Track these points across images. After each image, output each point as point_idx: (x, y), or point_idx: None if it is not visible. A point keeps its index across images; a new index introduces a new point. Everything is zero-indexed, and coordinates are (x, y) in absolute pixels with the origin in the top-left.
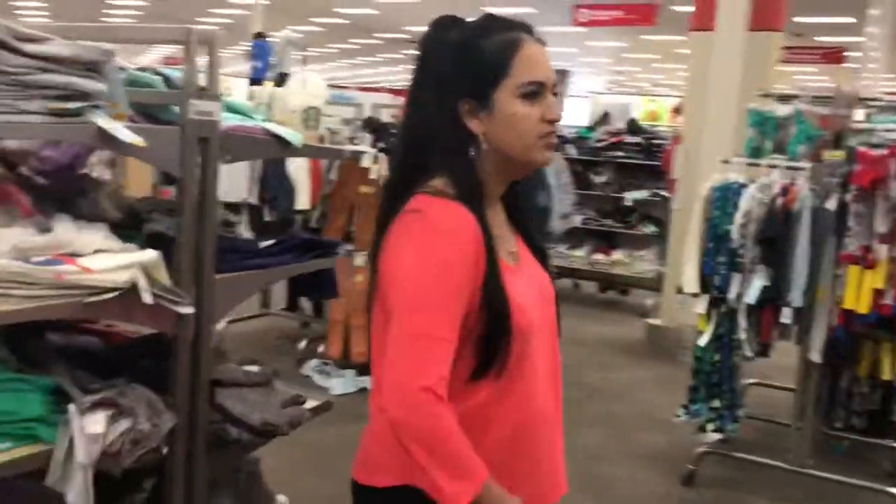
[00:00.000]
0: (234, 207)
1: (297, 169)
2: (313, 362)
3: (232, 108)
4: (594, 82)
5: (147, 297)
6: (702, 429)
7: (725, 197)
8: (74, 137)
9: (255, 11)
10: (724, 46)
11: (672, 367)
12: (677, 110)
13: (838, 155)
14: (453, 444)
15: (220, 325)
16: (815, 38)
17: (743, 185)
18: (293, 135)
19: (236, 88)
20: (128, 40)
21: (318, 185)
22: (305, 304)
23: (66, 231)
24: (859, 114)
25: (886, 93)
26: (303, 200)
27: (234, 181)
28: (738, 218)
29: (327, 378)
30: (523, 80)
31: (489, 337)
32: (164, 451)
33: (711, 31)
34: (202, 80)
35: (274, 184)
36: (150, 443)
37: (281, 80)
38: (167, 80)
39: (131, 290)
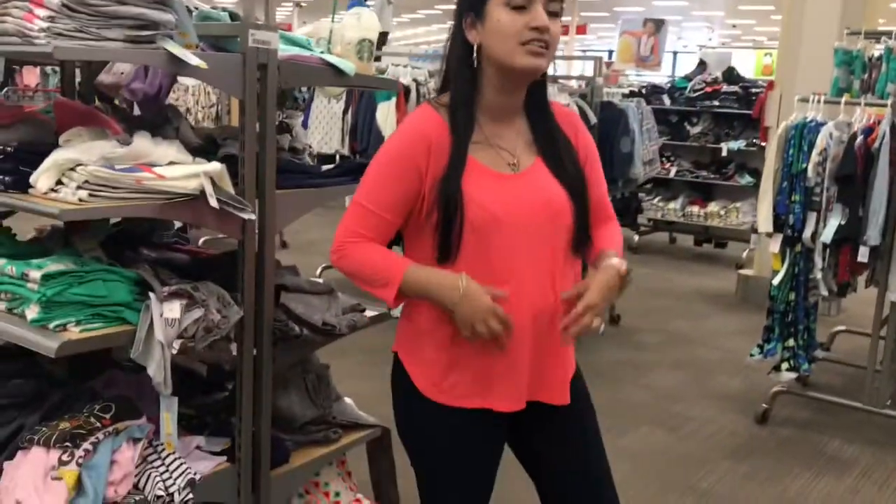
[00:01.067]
0: (329, 158)
1: (386, 119)
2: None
3: (292, 41)
4: (708, 36)
5: (213, 202)
6: (776, 368)
7: (801, 135)
8: (148, 61)
9: None
10: None
11: (760, 316)
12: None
13: None
14: (367, 269)
15: (318, 271)
16: None
17: (820, 124)
18: (347, 64)
19: (327, 24)
20: None
21: None
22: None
23: (144, 144)
24: None
25: None
26: None
27: (329, 134)
28: (814, 156)
29: None
30: None
31: (441, 226)
32: (233, 344)
33: None
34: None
35: (364, 134)
36: (220, 331)
37: (381, 38)
38: (233, 16)
39: (200, 196)
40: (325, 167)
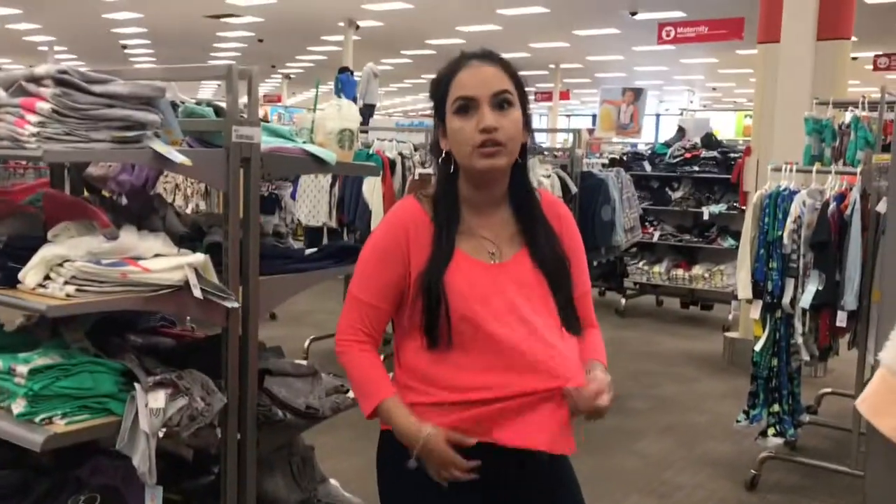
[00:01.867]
0: (317, 231)
1: (372, 192)
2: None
3: (275, 132)
4: (689, 99)
5: (197, 293)
6: (763, 434)
7: (776, 203)
8: (135, 159)
9: (346, 47)
10: (791, 57)
11: (748, 378)
12: None
13: (886, 158)
14: (356, 375)
15: (306, 343)
16: None
17: (793, 192)
18: (328, 153)
19: (309, 116)
20: (179, 77)
21: (391, 205)
22: None
23: (130, 238)
24: None
25: None
26: (377, 221)
27: (316, 206)
28: (789, 223)
29: None
30: (453, 98)
31: (424, 312)
32: (217, 429)
33: (778, 41)
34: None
35: (351, 207)
36: (204, 419)
37: (368, 110)
38: (217, 111)
39: (185, 288)
40: (307, 251)
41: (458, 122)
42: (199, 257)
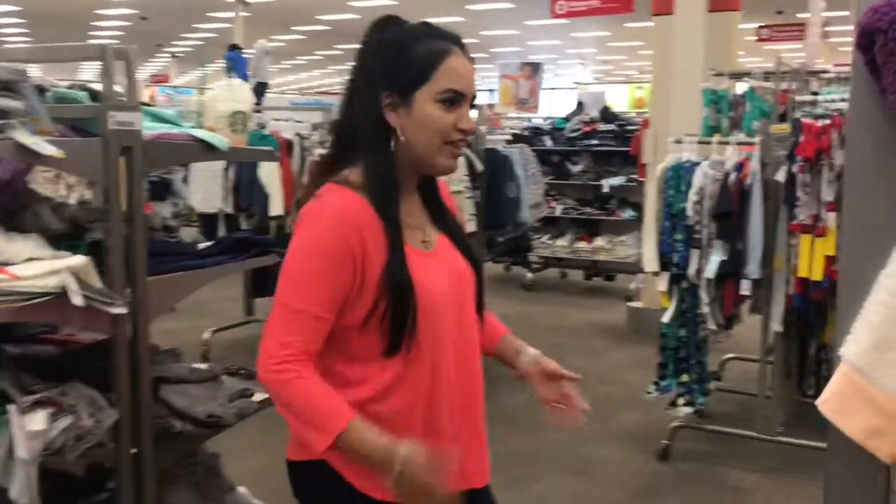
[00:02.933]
0: (212, 217)
1: (269, 175)
2: None
3: (159, 117)
4: (582, 73)
5: (77, 300)
6: (673, 404)
7: (678, 176)
8: None
9: (236, 24)
10: (685, 28)
11: (653, 347)
12: None
13: (784, 128)
14: (306, 402)
15: (206, 335)
16: (797, 16)
17: (695, 164)
18: (219, 139)
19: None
20: (47, 59)
21: (290, 189)
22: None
23: None
24: (815, 86)
25: (835, 63)
26: (276, 206)
27: (210, 192)
28: (692, 195)
29: None
30: (443, 87)
31: (394, 317)
32: (110, 445)
33: (671, 14)
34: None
35: (247, 192)
36: (93, 438)
37: (260, 89)
38: (93, 95)
39: (63, 294)
40: (201, 245)
41: (439, 111)
42: (78, 260)
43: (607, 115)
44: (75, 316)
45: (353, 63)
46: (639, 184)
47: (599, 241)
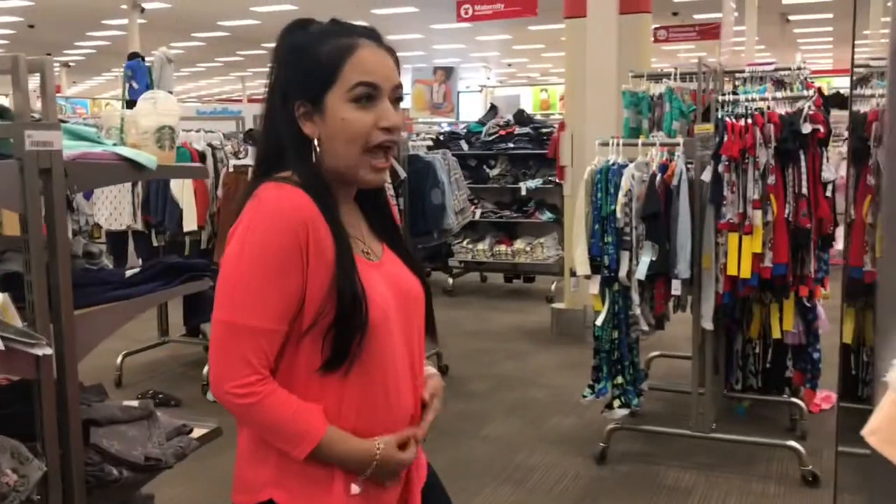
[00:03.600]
0: (120, 235)
1: (181, 189)
2: None
3: (77, 135)
4: (485, 76)
5: None
6: (608, 406)
7: (606, 178)
8: None
9: (131, 31)
10: (598, 31)
11: (578, 348)
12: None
13: (708, 128)
14: (277, 421)
15: (118, 359)
16: (693, 17)
17: (622, 166)
18: (146, 157)
19: (117, 112)
20: None
21: (204, 203)
22: (207, 327)
23: None
24: (729, 87)
25: (749, 63)
26: (190, 221)
27: (118, 208)
28: (621, 197)
29: None
30: (353, 82)
31: (339, 329)
32: (37, 499)
33: (584, 17)
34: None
35: (158, 207)
36: (19, 495)
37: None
38: (4, 114)
39: None
40: (129, 272)
41: (354, 112)
42: None
43: (522, 117)
44: None
45: (268, 73)
46: (556, 186)
47: (519, 244)
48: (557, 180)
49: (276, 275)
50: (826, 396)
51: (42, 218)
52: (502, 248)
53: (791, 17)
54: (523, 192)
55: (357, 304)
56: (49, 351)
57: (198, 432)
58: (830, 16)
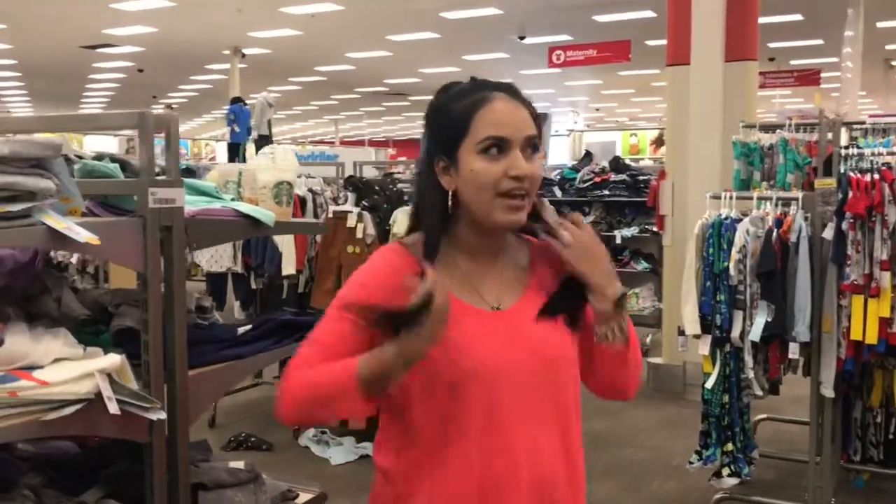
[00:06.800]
0: (220, 276)
1: None
2: (310, 432)
3: (197, 190)
4: (572, 120)
5: (113, 408)
6: (717, 474)
7: (719, 233)
8: (22, 241)
9: (232, 75)
10: (702, 78)
11: (678, 407)
12: (657, 142)
13: (829, 183)
14: (319, 382)
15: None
16: (790, 62)
17: (736, 220)
18: (264, 213)
19: (217, 152)
20: (83, 129)
21: (303, 247)
22: None
23: (19, 342)
24: (843, 138)
25: (870, 114)
26: (289, 265)
27: (218, 251)
28: (734, 254)
29: (325, 448)
30: (482, 136)
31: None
32: None
33: (687, 64)
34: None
35: (258, 250)
36: None
37: (261, 141)
38: (125, 168)
39: (95, 400)
40: (240, 329)
41: (483, 163)
42: (114, 360)
43: (618, 164)
44: (109, 424)
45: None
46: (653, 235)
47: None
48: (656, 229)
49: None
50: None
51: (162, 276)
52: None
53: (894, 63)
54: (618, 241)
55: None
56: (163, 416)
57: (303, 497)
58: None
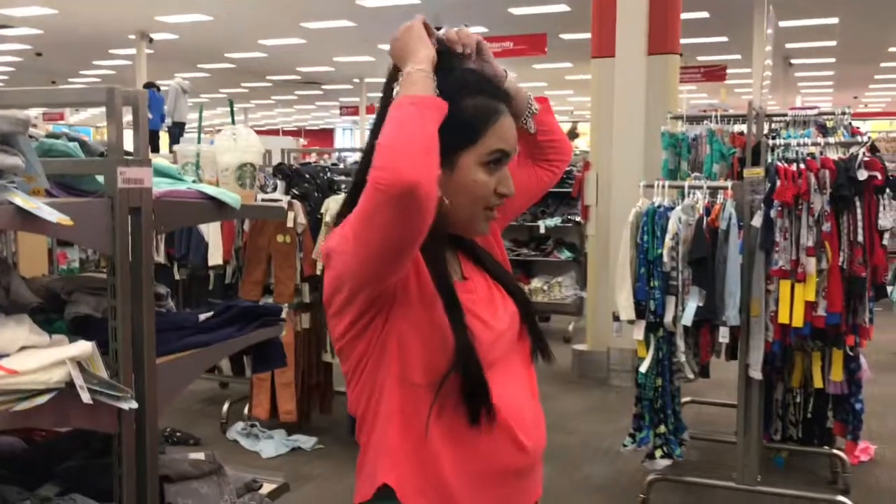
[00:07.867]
0: None
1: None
2: (239, 425)
3: (159, 171)
4: None
5: (86, 397)
6: (650, 456)
7: (653, 221)
8: None
9: (139, 61)
10: (627, 71)
11: (603, 392)
12: (570, 134)
13: (758, 172)
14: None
15: None
16: (697, 58)
17: (669, 209)
18: (231, 196)
19: (193, 147)
20: (46, 104)
21: (230, 237)
22: (223, 363)
23: None
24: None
25: (790, 107)
26: (215, 255)
27: None
28: (668, 241)
29: (256, 441)
30: (492, 148)
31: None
32: None
33: (612, 56)
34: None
35: (182, 240)
36: None
37: (177, 129)
38: (85, 147)
39: (65, 390)
40: (202, 316)
41: (484, 175)
42: (85, 347)
43: None
44: (79, 414)
45: (379, 109)
46: (576, 224)
47: (536, 283)
48: (579, 219)
49: None
50: (865, 448)
51: (130, 260)
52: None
53: (793, 61)
54: (542, 230)
55: (459, 325)
56: (135, 405)
57: (267, 487)
58: (832, 60)
